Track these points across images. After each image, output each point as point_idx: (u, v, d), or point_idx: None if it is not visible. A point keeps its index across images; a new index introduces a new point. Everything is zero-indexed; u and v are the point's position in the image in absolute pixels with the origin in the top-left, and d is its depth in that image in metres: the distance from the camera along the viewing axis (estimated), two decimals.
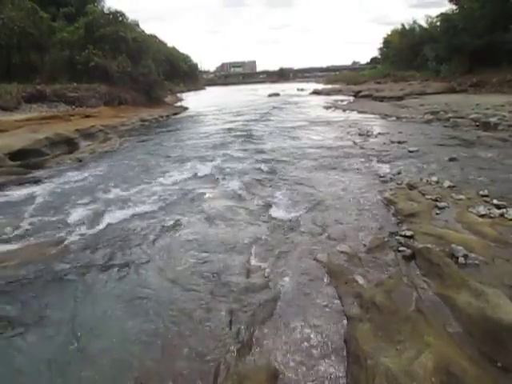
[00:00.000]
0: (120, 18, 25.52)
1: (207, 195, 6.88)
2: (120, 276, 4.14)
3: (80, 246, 4.89)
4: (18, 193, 7.48)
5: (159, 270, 4.24)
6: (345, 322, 3.19)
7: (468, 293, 3.14)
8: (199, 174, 8.41)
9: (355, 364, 2.68)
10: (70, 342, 3.11)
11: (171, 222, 5.60)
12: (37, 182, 8.28)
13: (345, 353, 2.85)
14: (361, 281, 3.72)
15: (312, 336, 3.06)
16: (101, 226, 5.51)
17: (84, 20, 23.57)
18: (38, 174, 9.02)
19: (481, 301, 2.98)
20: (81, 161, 10.54)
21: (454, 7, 29.44)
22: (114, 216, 5.89)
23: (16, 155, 9.66)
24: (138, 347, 3.02)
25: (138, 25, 29.01)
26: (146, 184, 7.74)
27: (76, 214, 5.97)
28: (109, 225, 5.56)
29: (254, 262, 4.31)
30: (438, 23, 32.28)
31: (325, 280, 3.86)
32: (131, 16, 28.68)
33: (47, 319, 3.45)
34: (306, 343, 2.98)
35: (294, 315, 3.33)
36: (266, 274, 4.00)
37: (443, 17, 30.73)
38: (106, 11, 25.97)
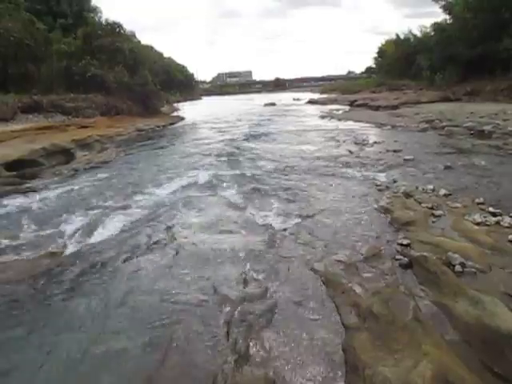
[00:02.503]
0: (117, 29, 25.81)
1: (202, 204, 6.86)
2: (114, 288, 4.10)
3: (74, 258, 4.84)
4: (13, 203, 7.43)
5: (155, 281, 4.20)
6: (342, 331, 3.18)
7: (465, 301, 3.15)
8: (195, 183, 8.41)
9: (353, 374, 2.66)
10: (65, 354, 3.08)
11: (166, 233, 5.57)
12: (33, 192, 8.22)
13: (343, 362, 2.84)
14: (358, 290, 3.70)
15: (309, 346, 3.04)
16: (95, 238, 5.46)
17: (82, 30, 23.78)
18: (34, 184, 8.98)
19: (478, 309, 2.98)
20: (77, 171, 10.51)
21: (448, 17, 29.90)
22: (108, 227, 5.84)
23: (12, 165, 9.69)
24: (134, 359, 2.98)
25: (134, 35, 29.46)
26: (142, 194, 7.72)
27: (71, 226, 5.93)
28: (103, 236, 5.52)
29: (250, 272, 4.28)
30: (432, 33, 32.65)
31: (322, 289, 3.85)
32: (128, 27, 29.14)
33: (39, 333, 3.41)
34: (303, 353, 2.96)
35: (290, 325, 3.31)
36: (262, 284, 3.98)
37: (437, 26, 31.08)
38: (103, 22, 26.29)
